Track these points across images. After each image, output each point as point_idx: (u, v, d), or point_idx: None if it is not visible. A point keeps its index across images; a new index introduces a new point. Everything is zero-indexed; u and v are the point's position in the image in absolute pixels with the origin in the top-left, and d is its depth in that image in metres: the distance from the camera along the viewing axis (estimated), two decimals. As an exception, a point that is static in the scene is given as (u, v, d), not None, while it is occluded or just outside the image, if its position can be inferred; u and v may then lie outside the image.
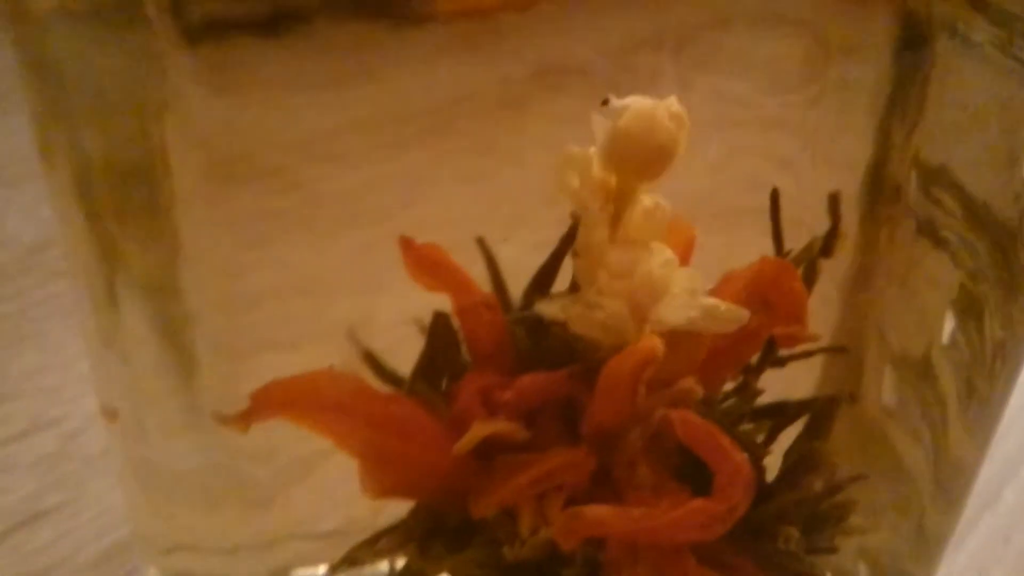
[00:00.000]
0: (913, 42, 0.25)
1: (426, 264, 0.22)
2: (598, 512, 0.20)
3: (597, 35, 0.24)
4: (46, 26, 0.23)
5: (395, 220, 0.25)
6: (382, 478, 0.22)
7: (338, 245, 0.25)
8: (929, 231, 0.27)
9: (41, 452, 0.37)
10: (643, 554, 0.21)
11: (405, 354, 0.23)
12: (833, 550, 0.23)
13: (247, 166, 0.24)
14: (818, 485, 0.23)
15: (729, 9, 0.24)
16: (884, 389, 0.29)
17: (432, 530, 0.22)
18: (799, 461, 0.23)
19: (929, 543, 0.29)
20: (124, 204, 0.24)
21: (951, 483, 0.28)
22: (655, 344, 0.20)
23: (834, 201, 0.24)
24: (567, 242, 0.22)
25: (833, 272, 0.27)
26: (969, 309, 0.26)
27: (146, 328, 0.25)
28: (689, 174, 0.21)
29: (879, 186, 0.27)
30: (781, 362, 0.24)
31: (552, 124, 0.24)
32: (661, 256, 0.21)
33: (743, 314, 0.21)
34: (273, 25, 0.23)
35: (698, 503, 0.20)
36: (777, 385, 0.24)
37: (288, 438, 0.25)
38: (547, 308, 0.21)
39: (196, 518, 0.28)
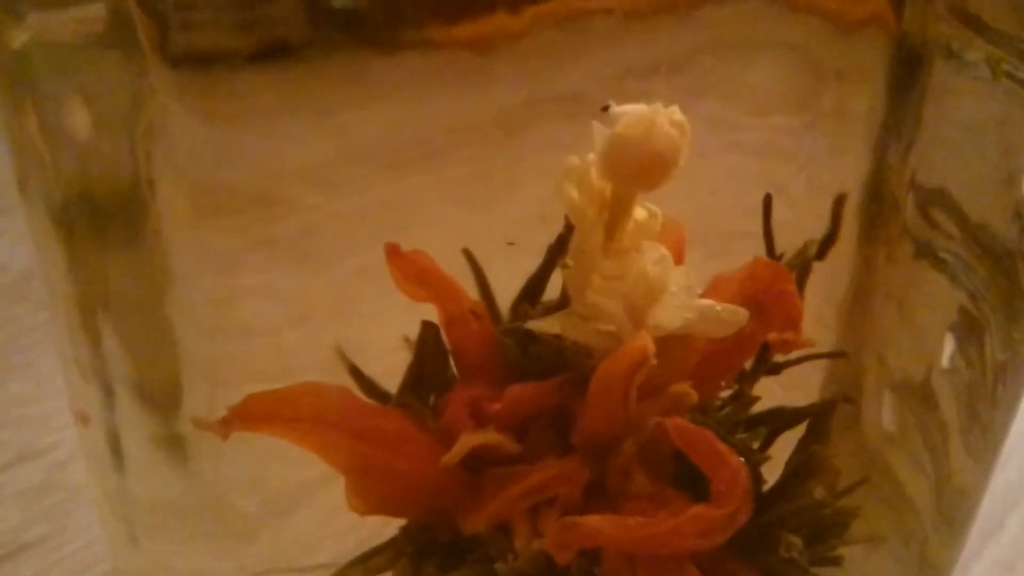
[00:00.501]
0: (908, 63, 0.25)
1: (413, 272, 0.21)
2: (594, 522, 0.20)
3: (591, 62, 0.24)
4: (26, 57, 0.22)
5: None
6: (369, 493, 0.21)
7: (330, 273, 0.25)
8: (927, 253, 0.27)
9: (27, 483, 0.37)
10: (642, 565, 0.20)
11: (398, 382, 0.23)
12: (837, 561, 0.23)
13: (237, 194, 0.24)
14: (819, 491, 0.22)
15: (722, 34, 0.24)
16: (884, 414, 0.28)
17: (424, 548, 0.22)
18: (799, 467, 0.23)
19: (932, 573, 0.29)
20: (107, 233, 0.24)
21: (954, 510, 0.28)
22: (647, 344, 0.19)
23: (838, 204, 0.23)
24: (557, 251, 0.22)
25: (831, 295, 0.27)
26: (969, 332, 0.26)
27: (129, 359, 0.25)
28: (682, 198, 0.21)
29: (876, 208, 0.26)
30: (776, 369, 0.23)
31: (546, 151, 0.24)
32: (655, 253, 0.20)
33: (742, 315, 0.21)
34: (264, 53, 0.22)
35: (697, 510, 0.20)
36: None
37: (274, 468, 0.25)
38: (541, 325, 0.21)
39: (177, 552, 0.28)
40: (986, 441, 0.27)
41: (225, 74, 0.22)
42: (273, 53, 0.22)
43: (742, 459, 0.20)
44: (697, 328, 0.20)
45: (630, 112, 0.19)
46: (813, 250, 0.24)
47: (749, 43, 0.24)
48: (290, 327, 0.25)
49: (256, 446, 0.24)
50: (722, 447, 0.20)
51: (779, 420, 0.23)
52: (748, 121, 0.25)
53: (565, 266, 0.21)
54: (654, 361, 0.20)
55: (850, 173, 0.26)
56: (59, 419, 0.39)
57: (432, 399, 0.22)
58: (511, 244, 0.24)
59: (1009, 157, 0.25)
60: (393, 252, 0.21)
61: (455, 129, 0.24)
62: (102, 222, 0.24)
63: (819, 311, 0.24)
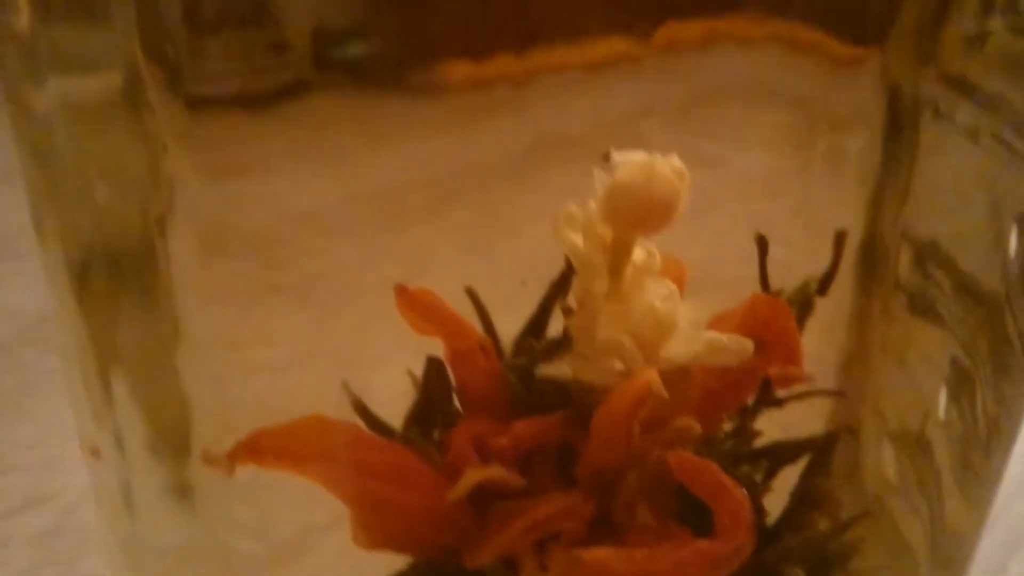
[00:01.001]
0: (900, 118, 0.26)
1: (420, 308, 0.22)
2: (599, 555, 0.20)
3: (593, 107, 0.24)
4: (47, 119, 0.23)
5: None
6: (375, 527, 0.21)
7: (338, 319, 0.25)
8: (921, 306, 0.27)
9: (36, 527, 0.37)
10: None
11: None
12: None
13: (245, 239, 0.24)
14: (823, 523, 0.22)
15: (719, 82, 0.24)
16: (883, 463, 0.28)
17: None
18: (802, 499, 0.23)
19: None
20: (121, 286, 0.24)
21: (950, 556, 0.28)
22: (652, 378, 0.20)
23: (839, 240, 0.24)
24: (558, 287, 0.23)
25: (828, 347, 0.27)
26: (962, 385, 0.26)
27: (139, 409, 0.25)
28: (679, 244, 0.21)
29: (871, 261, 0.27)
30: (778, 403, 0.23)
31: (551, 195, 0.24)
32: (663, 290, 0.21)
33: (747, 345, 0.21)
34: (272, 99, 0.23)
35: (702, 544, 0.20)
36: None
37: (281, 513, 0.25)
38: (550, 371, 0.21)
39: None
40: (980, 489, 0.27)
41: (235, 120, 0.23)
42: (280, 98, 0.23)
43: (745, 491, 0.20)
44: (705, 360, 0.21)
45: (631, 160, 0.20)
46: (813, 287, 0.24)
47: (745, 91, 0.24)
48: (298, 371, 0.26)
49: (263, 492, 0.24)
50: (725, 479, 0.20)
51: (781, 453, 0.23)
52: (746, 165, 0.25)
53: (568, 310, 0.21)
54: (665, 394, 0.20)
55: (847, 218, 0.26)
56: (68, 464, 0.39)
57: (436, 434, 0.23)
58: (524, 284, 0.24)
59: (998, 212, 0.25)
60: (402, 290, 0.22)
61: (461, 174, 0.24)
62: (117, 275, 0.24)
63: (816, 365, 0.24)
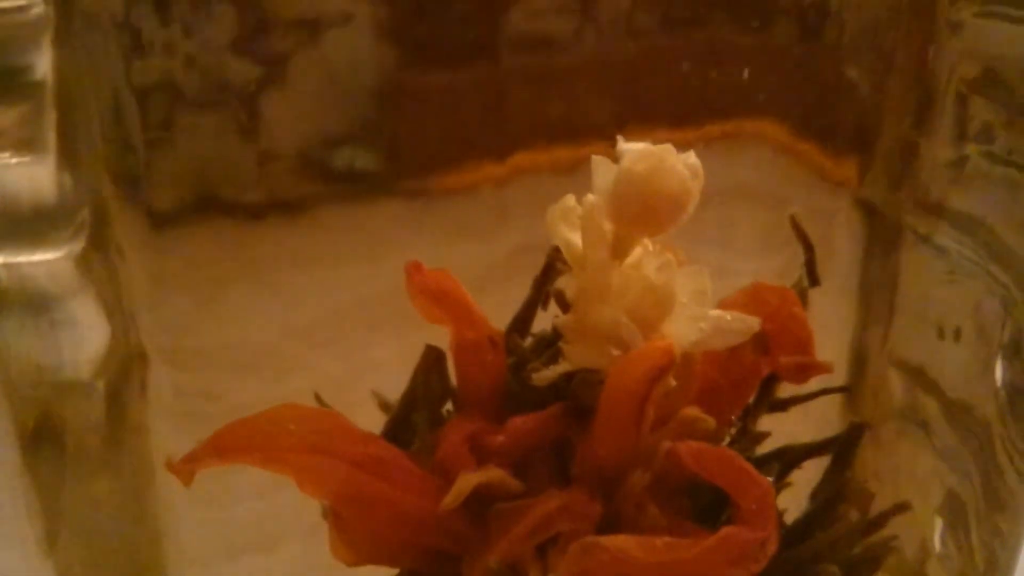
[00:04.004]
0: (880, 239, 0.26)
1: (432, 292, 0.19)
2: (619, 543, 0.17)
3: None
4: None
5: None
6: (358, 534, 0.19)
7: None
8: (914, 433, 0.26)
9: None
10: None
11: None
12: None
13: (223, 358, 0.24)
14: (853, 515, 0.20)
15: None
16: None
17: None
18: (830, 495, 0.21)
19: None
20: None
21: None
22: (669, 345, 0.17)
23: (794, 221, 0.22)
24: (542, 284, 0.21)
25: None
26: (957, 515, 0.25)
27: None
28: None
29: (860, 387, 0.26)
30: (783, 406, 0.22)
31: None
32: (656, 260, 0.18)
33: (752, 322, 0.19)
34: (263, 210, 0.23)
35: (729, 531, 0.17)
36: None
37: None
38: (547, 375, 0.19)
39: None
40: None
41: (226, 231, 0.23)
42: (264, 210, 0.23)
43: (770, 480, 0.18)
44: (710, 342, 0.18)
45: (637, 148, 0.18)
46: (805, 281, 0.22)
47: (732, 194, 0.25)
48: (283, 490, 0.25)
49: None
50: (748, 466, 0.18)
51: (788, 457, 0.21)
52: (739, 265, 0.25)
53: (559, 295, 0.20)
54: (692, 338, 0.18)
55: (832, 323, 0.26)
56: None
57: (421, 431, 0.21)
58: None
59: (984, 340, 0.25)
60: (414, 269, 0.20)
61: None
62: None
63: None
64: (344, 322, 0.24)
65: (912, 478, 0.26)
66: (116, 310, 0.23)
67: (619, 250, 0.18)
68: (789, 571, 0.19)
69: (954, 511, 0.25)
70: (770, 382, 0.21)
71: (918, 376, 0.26)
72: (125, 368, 0.24)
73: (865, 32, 0.25)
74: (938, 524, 0.25)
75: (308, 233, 0.23)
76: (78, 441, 0.24)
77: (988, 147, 0.25)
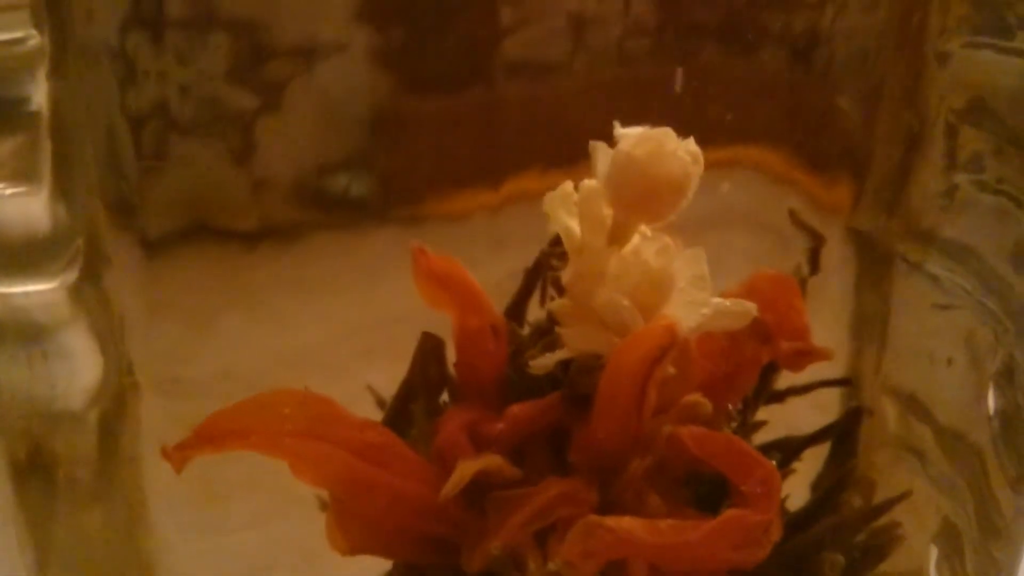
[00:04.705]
0: (872, 267, 0.26)
1: (438, 276, 0.19)
2: (623, 524, 0.17)
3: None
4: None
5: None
6: (355, 521, 0.18)
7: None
8: (908, 461, 0.26)
9: None
10: None
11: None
12: None
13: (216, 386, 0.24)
14: (857, 502, 0.20)
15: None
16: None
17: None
18: (834, 482, 0.20)
19: None
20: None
21: None
22: (673, 324, 0.17)
23: (793, 215, 0.22)
24: (535, 274, 0.21)
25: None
26: (952, 543, 0.25)
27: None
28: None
29: (855, 414, 0.26)
30: (779, 397, 0.21)
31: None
32: (655, 244, 0.18)
33: (750, 308, 0.18)
34: (257, 237, 0.23)
35: (733, 513, 0.17)
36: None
37: None
38: (544, 363, 0.19)
39: None
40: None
41: (220, 258, 0.23)
42: (261, 237, 0.23)
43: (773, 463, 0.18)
44: (712, 326, 0.18)
45: (636, 133, 0.18)
46: (806, 268, 0.22)
47: (724, 221, 0.25)
48: (274, 520, 0.25)
49: None
50: (751, 449, 0.18)
51: (789, 447, 0.21)
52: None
53: (556, 281, 0.20)
54: (691, 324, 0.18)
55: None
56: None
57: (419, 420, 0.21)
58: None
59: (976, 368, 0.25)
60: (420, 253, 0.19)
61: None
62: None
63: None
64: (338, 349, 0.24)
65: (907, 506, 0.26)
66: (109, 340, 0.23)
67: (617, 236, 0.18)
68: (792, 560, 0.19)
69: (949, 539, 0.25)
70: (769, 372, 0.21)
71: (911, 404, 0.26)
72: (118, 398, 0.24)
73: (855, 62, 0.25)
74: (933, 553, 0.25)
75: (302, 260, 0.23)
76: (69, 473, 0.24)
77: (978, 176, 0.25)
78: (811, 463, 0.22)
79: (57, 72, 0.22)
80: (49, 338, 0.23)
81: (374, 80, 0.23)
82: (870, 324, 0.26)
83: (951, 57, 0.25)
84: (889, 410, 0.26)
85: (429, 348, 0.20)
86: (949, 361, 0.25)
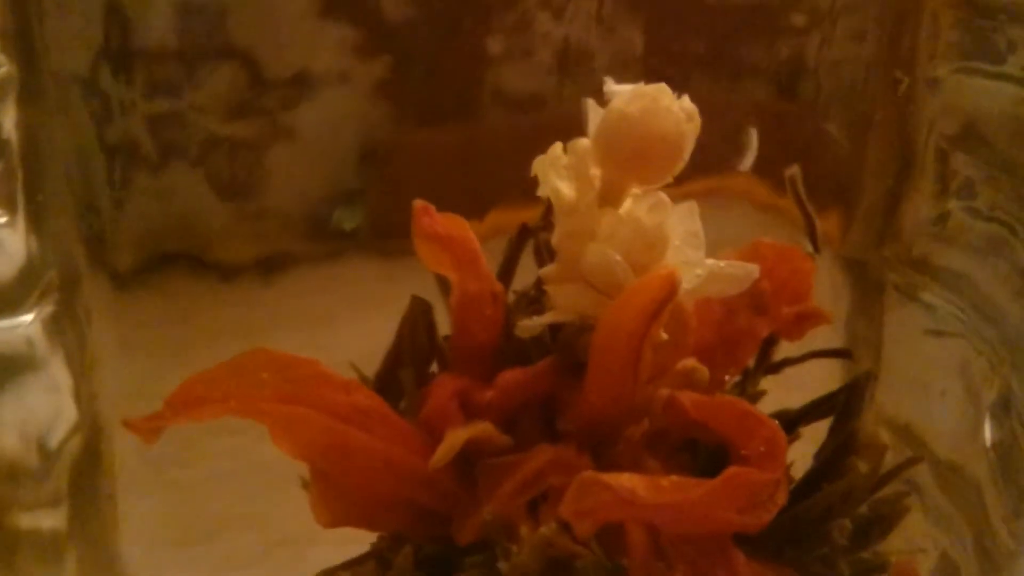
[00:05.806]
0: (864, 296, 0.26)
1: (439, 236, 0.18)
2: (624, 481, 0.16)
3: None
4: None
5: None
6: (339, 491, 0.17)
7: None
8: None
9: None
10: (677, 553, 0.16)
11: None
12: (883, 568, 0.19)
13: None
14: (863, 466, 0.19)
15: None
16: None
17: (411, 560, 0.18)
18: (839, 446, 0.19)
19: None
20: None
21: None
22: (670, 274, 0.16)
23: (792, 183, 0.21)
24: (520, 240, 0.20)
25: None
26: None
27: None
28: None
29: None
30: (776, 368, 0.21)
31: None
32: (647, 200, 0.17)
33: (751, 269, 0.17)
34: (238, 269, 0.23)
35: (736, 470, 0.16)
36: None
37: None
38: (531, 326, 0.18)
39: None
40: None
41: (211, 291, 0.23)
42: (242, 269, 0.23)
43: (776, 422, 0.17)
44: (708, 288, 0.17)
45: (629, 89, 0.17)
46: (808, 247, 0.21)
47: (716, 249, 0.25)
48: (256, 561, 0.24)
49: None
50: (754, 409, 0.17)
51: (791, 418, 0.20)
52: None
53: (546, 243, 0.19)
54: (686, 286, 0.16)
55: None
56: None
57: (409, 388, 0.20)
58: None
59: (972, 399, 0.24)
60: (423, 211, 0.18)
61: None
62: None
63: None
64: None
65: (904, 541, 0.26)
66: (82, 378, 0.23)
67: (609, 197, 0.17)
68: (798, 526, 0.18)
69: (948, 574, 0.25)
70: (769, 344, 0.20)
71: (907, 435, 0.25)
72: (91, 438, 0.23)
73: (844, 90, 0.25)
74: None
75: (286, 293, 0.23)
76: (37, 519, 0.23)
77: (970, 203, 0.24)
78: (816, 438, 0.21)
79: (27, 100, 0.21)
80: (22, 375, 0.22)
81: (359, 113, 0.22)
82: (864, 354, 0.26)
83: (941, 83, 0.25)
84: (885, 442, 0.26)
85: (418, 312, 0.19)
86: (944, 392, 0.25)
